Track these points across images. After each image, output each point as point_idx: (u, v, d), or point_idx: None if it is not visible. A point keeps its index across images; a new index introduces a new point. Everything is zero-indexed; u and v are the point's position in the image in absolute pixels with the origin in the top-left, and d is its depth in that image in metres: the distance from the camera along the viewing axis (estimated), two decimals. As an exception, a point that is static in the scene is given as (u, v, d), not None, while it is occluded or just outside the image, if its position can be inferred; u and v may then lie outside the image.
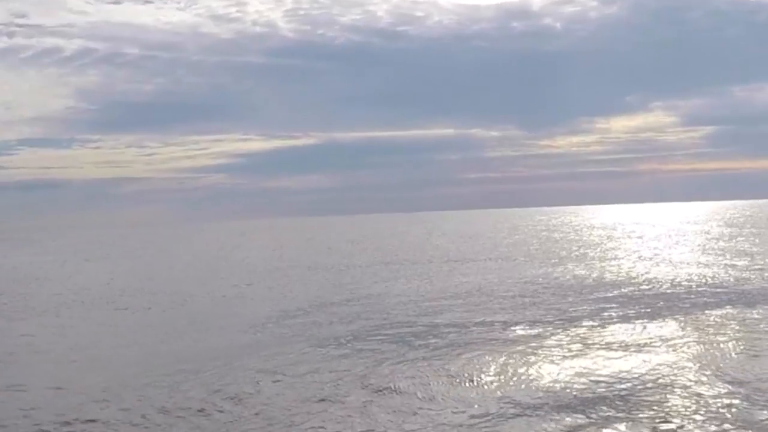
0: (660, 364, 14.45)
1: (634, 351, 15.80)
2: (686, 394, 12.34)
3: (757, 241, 53.03)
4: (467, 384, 13.61)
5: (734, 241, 52.94)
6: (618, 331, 18.18)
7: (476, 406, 12.18)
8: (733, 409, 11.41)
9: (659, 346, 16.18)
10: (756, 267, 32.67)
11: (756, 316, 19.87)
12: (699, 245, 50.04)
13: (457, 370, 14.52)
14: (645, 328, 18.53)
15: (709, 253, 41.96)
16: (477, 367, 14.75)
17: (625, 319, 20.00)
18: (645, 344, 16.46)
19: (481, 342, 17.37)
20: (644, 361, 14.75)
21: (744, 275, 29.59)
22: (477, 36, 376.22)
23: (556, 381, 13.53)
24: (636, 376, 13.63)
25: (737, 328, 18.31)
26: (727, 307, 21.45)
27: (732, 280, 28.25)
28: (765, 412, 11.23)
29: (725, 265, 34.31)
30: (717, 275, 29.84)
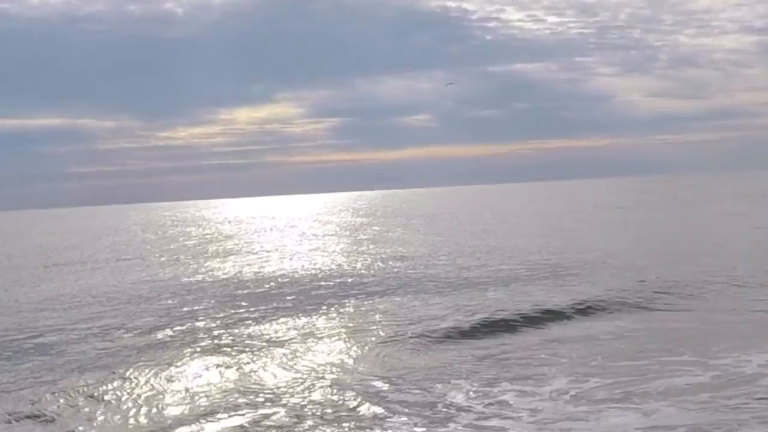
0: (284, 357, 14.09)
1: (258, 348, 15.11)
2: (301, 384, 12.03)
3: (377, 229, 56.01)
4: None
5: (359, 231, 55.02)
6: (240, 329, 17.19)
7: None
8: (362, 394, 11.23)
9: (284, 341, 15.68)
10: (383, 255, 33.61)
11: (380, 304, 20.07)
12: (323, 236, 51.37)
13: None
14: (270, 323, 17.78)
15: (336, 244, 43.01)
16: (81, 377, 12.65)
17: (247, 316, 19.08)
18: (270, 340, 15.88)
19: (91, 351, 15.47)
20: (265, 358, 14.28)
21: (370, 263, 30.30)
22: (89, 18, 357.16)
23: (167, 384, 12.63)
24: (256, 372, 13.26)
25: (363, 317, 18.27)
26: (352, 298, 21.41)
27: (359, 268, 28.73)
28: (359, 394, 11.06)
29: (352, 253, 35.19)
30: (342, 266, 30.17)
